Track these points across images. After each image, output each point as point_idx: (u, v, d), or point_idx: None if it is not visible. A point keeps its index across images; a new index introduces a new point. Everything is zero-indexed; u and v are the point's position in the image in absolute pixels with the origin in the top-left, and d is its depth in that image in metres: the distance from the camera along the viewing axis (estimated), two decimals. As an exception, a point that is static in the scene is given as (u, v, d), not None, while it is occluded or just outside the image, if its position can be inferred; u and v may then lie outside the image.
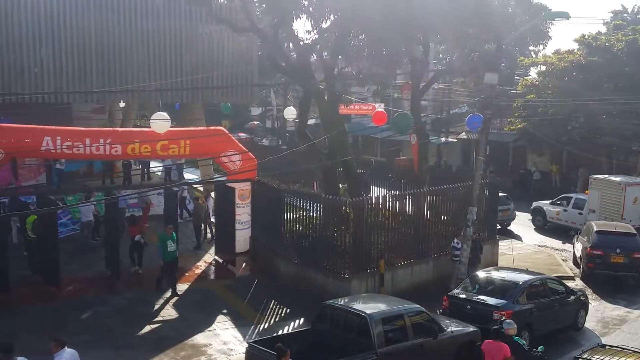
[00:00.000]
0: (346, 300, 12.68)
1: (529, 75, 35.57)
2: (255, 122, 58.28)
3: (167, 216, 18.45)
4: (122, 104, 31.09)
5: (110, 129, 22.72)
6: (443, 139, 37.21)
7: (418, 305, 12.26)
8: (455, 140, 37.71)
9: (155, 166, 27.78)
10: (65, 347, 9.26)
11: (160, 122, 16.59)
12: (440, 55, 34.66)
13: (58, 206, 17.40)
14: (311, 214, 16.79)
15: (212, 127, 21.43)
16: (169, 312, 14.94)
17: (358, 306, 11.93)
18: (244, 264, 18.65)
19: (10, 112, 22.34)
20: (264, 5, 18.32)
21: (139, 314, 14.72)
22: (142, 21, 23.57)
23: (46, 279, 16.32)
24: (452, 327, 12.55)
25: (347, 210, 16.08)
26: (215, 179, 21.52)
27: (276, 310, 15.30)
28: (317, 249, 16.25)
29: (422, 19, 16.82)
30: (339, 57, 19.11)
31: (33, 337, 11.81)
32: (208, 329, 13.96)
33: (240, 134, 46.80)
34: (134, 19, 23.46)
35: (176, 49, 24.26)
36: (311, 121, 33.72)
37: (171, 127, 18.17)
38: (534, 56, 34.16)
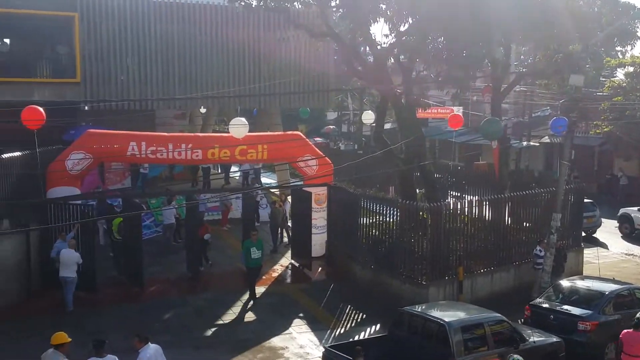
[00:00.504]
0: (424, 307, 12.47)
1: (616, 76, 33.97)
2: (331, 127, 58.49)
3: (245, 220, 18.76)
4: (202, 110, 31.94)
5: (192, 134, 23.36)
6: (524, 143, 36.10)
7: (498, 314, 11.90)
8: (537, 144, 36.50)
9: (234, 171, 28.38)
10: (149, 343, 9.57)
11: (239, 127, 16.89)
12: (522, 57, 33.66)
13: (142, 209, 18.03)
14: (388, 219, 16.63)
15: (290, 132, 21.68)
16: (247, 315, 15.17)
17: (436, 313, 11.69)
18: (320, 268, 18.70)
19: (98, 118, 23.42)
20: (341, 10, 18.36)
21: (217, 315, 15.03)
22: (222, 30, 24.19)
23: (131, 279, 16.94)
24: (535, 337, 12.09)
25: (425, 216, 15.83)
26: (292, 184, 21.73)
27: (352, 316, 15.23)
28: (394, 254, 16.07)
29: (503, 19, 16.36)
30: (417, 60, 18.88)
31: (118, 335, 12.24)
32: (285, 332, 14.06)
33: (317, 139, 47.09)
34: (214, 28, 24.11)
35: (254, 55, 24.73)
36: (387, 125, 33.56)
37: (249, 132, 18.50)
38: (621, 57, 32.57)
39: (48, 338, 9.51)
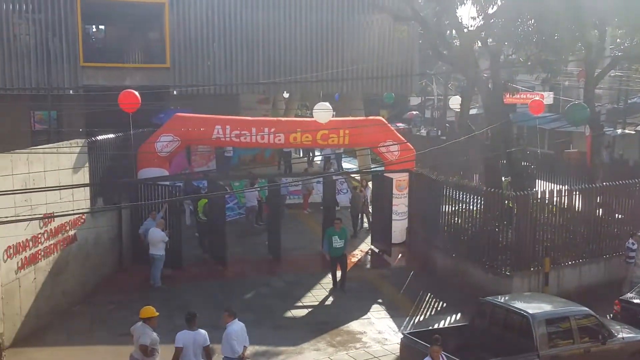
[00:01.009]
0: (507, 297, 12.13)
1: None
2: (414, 112, 57.73)
3: (326, 205, 18.88)
4: (285, 95, 32.31)
5: (274, 118, 23.68)
6: (619, 131, 34.28)
7: (585, 308, 11.41)
8: (633, 132, 34.57)
9: (315, 155, 28.56)
10: (236, 319, 9.86)
11: (323, 112, 16.94)
12: (618, 40, 31.85)
13: (226, 191, 18.48)
14: (471, 207, 16.25)
15: (371, 117, 21.53)
16: (326, 298, 15.28)
17: (520, 305, 11.33)
18: (400, 255, 18.57)
19: (185, 102, 24.16)
20: (426, -7, 18.01)
21: (297, 296, 15.24)
22: (306, 15, 24.34)
23: (214, 258, 17.46)
24: (624, 333, 11.51)
25: (510, 205, 15.38)
26: (373, 169, 21.64)
27: (432, 304, 15.05)
28: (477, 243, 15.71)
29: (597, 1, 15.53)
30: (505, 43, 18.26)
31: (203, 311, 12.61)
32: (363, 317, 14.07)
33: (399, 124, 46.63)
34: (298, 13, 24.29)
35: (337, 40, 24.74)
36: (473, 111, 32.75)
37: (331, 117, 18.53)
38: None
39: (137, 311, 9.95)
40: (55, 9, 21.40)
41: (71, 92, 22.44)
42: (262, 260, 18.04)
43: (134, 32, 27.82)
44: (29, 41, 21.48)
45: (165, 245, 15.46)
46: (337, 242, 15.43)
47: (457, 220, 16.67)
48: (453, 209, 16.79)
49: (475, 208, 16.16)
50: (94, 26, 27.94)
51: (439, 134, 41.40)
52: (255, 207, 20.91)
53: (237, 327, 9.84)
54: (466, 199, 16.50)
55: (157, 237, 15.23)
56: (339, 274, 15.78)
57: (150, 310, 9.74)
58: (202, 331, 9.57)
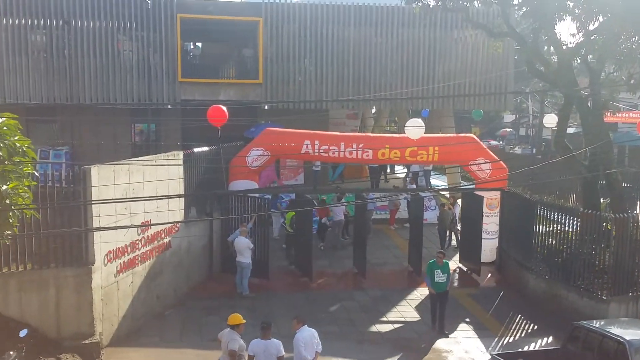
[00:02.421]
0: (602, 323, 11.54)
1: None
2: (508, 129, 56.23)
3: (413, 221, 18.68)
4: (373, 110, 32.32)
5: (363, 134, 23.72)
6: None
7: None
8: None
9: (401, 171, 28.30)
10: (305, 325, 9.91)
11: (415, 129, 16.84)
12: None
13: (313, 205, 18.68)
14: (566, 228, 15.60)
15: (462, 135, 21.18)
16: (411, 314, 15.07)
17: (616, 330, 10.75)
18: (489, 275, 18.07)
19: (276, 117, 24.68)
20: (524, 9, 17.53)
21: (382, 311, 15.12)
22: (397, 31, 24.34)
23: (301, 270, 17.65)
24: None
25: (609, 227, 14.66)
26: (463, 187, 21.22)
27: (522, 325, 14.52)
28: (572, 266, 15.04)
29: None
30: (607, 60, 17.48)
31: (286, 321, 12.76)
32: (450, 335, 13.76)
33: (491, 141, 45.56)
34: (389, 29, 24.33)
35: (429, 56, 24.57)
36: (570, 129, 31.49)
37: (419, 133, 18.35)
38: None
39: (225, 318, 10.24)
40: (157, 27, 22.54)
41: (169, 106, 23.49)
42: (348, 273, 18.06)
43: (228, 48, 28.80)
44: (132, 57, 22.73)
45: (252, 254, 15.81)
46: (440, 277, 14.13)
47: (551, 242, 16.04)
48: (547, 229, 16.18)
49: (571, 229, 15.51)
50: (191, 43, 29.16)
51: (534, 152, 40.07)
52: (342, 221, 20.97)
53: (305, 334, 9.88)
54: (561, 219, 15.86)
55: (242, 244, 15.63)
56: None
57: (237, 318, 9.98)
58: (276, 341, 9.65)
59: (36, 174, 9.85)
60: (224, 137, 17.49)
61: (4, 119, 8.47)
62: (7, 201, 8.54)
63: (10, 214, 8.63)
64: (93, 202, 11.26)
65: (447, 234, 20.61)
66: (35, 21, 21.91)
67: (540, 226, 16.32)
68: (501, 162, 18.75)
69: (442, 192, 24.92)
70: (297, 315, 10.34)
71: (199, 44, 30.10)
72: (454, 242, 20.72)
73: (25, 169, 8.79)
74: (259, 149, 18.56)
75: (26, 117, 19.99)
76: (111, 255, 12.41)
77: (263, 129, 20.44)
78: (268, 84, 23.76)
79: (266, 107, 25.42)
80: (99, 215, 11.59)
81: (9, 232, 8.90)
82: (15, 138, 8.56)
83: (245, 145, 19.25)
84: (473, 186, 19.03)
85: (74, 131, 24.05)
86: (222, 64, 27.49)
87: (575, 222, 15.36)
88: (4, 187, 8.39)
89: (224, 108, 16.89)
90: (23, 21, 21.76)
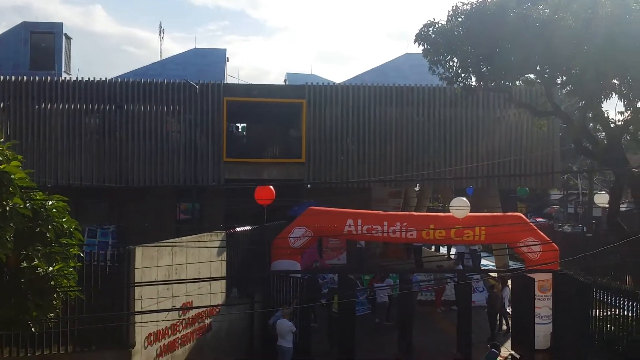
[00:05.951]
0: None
1: None
2: (556, 207, 55.00)
3: (460, 304, 18.00)
4: (416, 188, 32.10)
5: (407, 213, 23.43)
6: None
7: None
8: None
9: (445, 253, 27.68)
10: None
11: (460, 208, 16.53)
12: None
13: (357, 286, 18.25)
14: (626, 312, 14.74)
15: (510, 214, 20.67)
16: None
17: None
18: (543, 363, 17.10)
19: (319, 197, 24.65)
20: (568, 88, 17.42)
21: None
22: (439, 110, 24.45)
23: (342, 354, 17.00)
24: None
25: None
26: (512, 270, 20.52)
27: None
28: (634, 354, 14.08)
29: None
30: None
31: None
32: None
33: (538, 219, 44.48)
34: (431, 109, 24.49)
35: (472, 134, 24.49)
36: (623, 207, 30.50)
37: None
38: None
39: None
40: (204, 110, 23.20)
41: (214, 184, 23.80)
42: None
43: (272, 128, 29.33)
44: (179, 139, 23.30)
45: (294, 338, 15.34)
46: None
47: (610, 327, 15.14)
48: (605, 314, 15.32)
49: (630, 314, 14.64)
50: (237, 124, 29.84)
51: (584, 230, 38.88)
52: (386, 303, 20.36)
53: None
54: (619, 303, 15.02)
55: (284, 327, 15.21)
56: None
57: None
58: None
59: (82, 255, 9.85)
60: (267, 215, 17.45)
61: (54, 201, 8.56)
62: (52, 283, 8.50)
63: (55, 295, 8.57)
64: (136, 284, 11.18)
65: (497, 317, 19.75)
66: (90, 105, 22.84)
67: (597, 310, 15.48)
68: (554, 244, 18.10)
69: (491, 274, 24.14)
70: None
71: (244, 125, 30.78)
72: (504, 327, 19.82)
73: (72, 250, 8.79)
74: (302, 228, 18.39)
75: (77, 199, 20.46)
76: (152, 337, 12.19)
77: (306, 208, 20.37)
78: (311, 163, 23.95)
79: (309, 185, 25.50)
80: (141, 298, 11.48)
81: (52, 314, 8.81)
82: (63, 220, 8.62)
83: (286, 224, 19.15)
84: (523, 268, 18.35)
85: (121, 210, 24.49)
86: (266, 144, 27.93)
87: (635, 306, 14.51)
88: (50, 268, 8.38)
89: (272, 187, 16.98)
90: (78, 106, 22.72)
